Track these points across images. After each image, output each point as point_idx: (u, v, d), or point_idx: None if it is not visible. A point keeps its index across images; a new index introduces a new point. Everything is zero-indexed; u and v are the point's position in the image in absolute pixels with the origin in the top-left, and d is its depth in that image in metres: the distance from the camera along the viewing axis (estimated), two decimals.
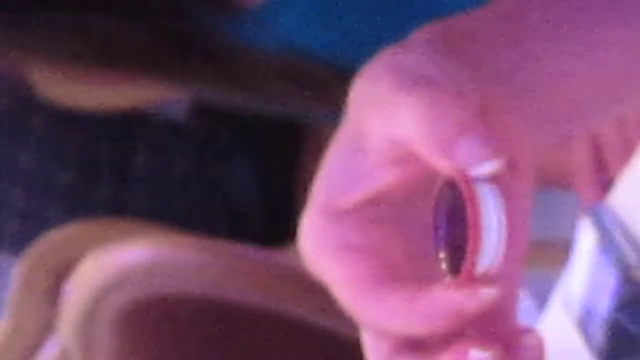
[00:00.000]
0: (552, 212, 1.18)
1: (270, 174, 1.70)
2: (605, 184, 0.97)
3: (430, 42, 0.49)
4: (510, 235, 0.44)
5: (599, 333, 0.70)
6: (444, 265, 0.45)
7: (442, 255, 0.46)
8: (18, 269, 1.64)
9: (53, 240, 1.61)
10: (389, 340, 0.46)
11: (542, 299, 0.84)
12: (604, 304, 0.71)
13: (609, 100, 0.57)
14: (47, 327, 1.53)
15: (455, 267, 0.44)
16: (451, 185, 0.45)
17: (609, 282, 0.71)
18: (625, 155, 0.85)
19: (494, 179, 0.44)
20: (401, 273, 0.47)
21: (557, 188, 1.11)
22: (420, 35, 0.50)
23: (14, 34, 1.23)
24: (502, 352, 0.44)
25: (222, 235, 1.60)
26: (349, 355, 0.57)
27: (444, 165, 0.44)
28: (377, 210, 0.48)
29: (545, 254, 1.21)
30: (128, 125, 1.67)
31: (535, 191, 0.50)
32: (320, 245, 0.47)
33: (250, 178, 1.69)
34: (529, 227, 0.47)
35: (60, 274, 1.51)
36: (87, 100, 1.50)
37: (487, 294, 0.43)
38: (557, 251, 0.92)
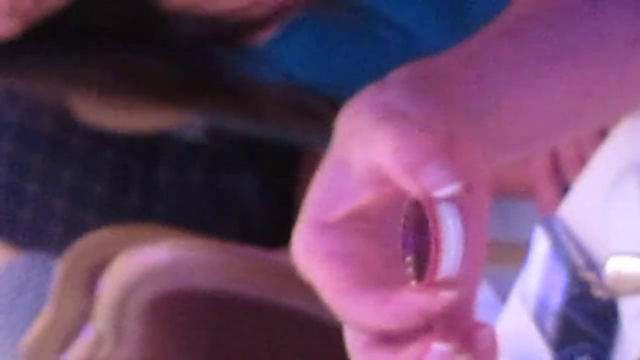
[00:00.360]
0: (513, 217, 1.17)
1: (273, 186, 1.69)
2: (562, 189, 0.97)
3: (405, 81, 0.49)
4: (468, 246, 0.44)
5: (551, 324, 0.70)
6: (411, 271, 0.45)
7: (409, 262, 0.46)
8: (60, 267, 1.64)
9: (89, 242, 1.61)
10: (365, 334, 0.46)
11: (504, 294, 0.85)
12: (556, 300, 0.71)
13: (561, 127, 0.58)
14: (84, 316, 1.53)
15: (421, 272, 0.45)
16: (417, 204, 0.45)
17: (560, 281, 0.71)
18: (580, 164, 0.85)
19: (454, 199, 0.44)
20: (377, 277, 0.46)
21: (518, 197, 1.11)
22: (396, 76, 0.50)
23: (58, 68, 1.23)
24: (461, 344, 0.44)
25: (232, 239, 1.59)
26: (339, 339, 0.57)
27: (411, 188, 0.44)
28: (357, 224, 0.48)
29: (507, 254, 1.21)
30: (153, 144, 1.67)
31: (498, 200, 0.50)
32: (309, 253, 0.47)
33: (256, 189, 1.68)
34: (488, 237, 0.47)
35: (95, 271, 1.51)
36: (119, 123, 1.49)
37: (447, 296, 0.43)
38: (517, 252, 0.92)
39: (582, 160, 0.82)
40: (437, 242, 0.44)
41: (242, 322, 1.42)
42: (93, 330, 1.45)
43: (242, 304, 1.40)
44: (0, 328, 2.06)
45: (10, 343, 1.98)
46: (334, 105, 1.14)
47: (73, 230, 1.64)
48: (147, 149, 1.67)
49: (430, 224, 0.44)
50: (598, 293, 0.68)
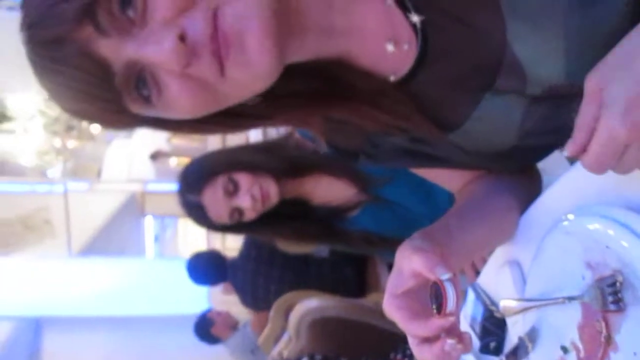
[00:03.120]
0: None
1: (357, 271, 1.64)
2: (476, 272, 0.89)
3: (421, 237, 0.47)
4: (457, 298, 0.43)
5: (478, 328, 0.65)
6: (435, 311, 0.43)
7: (434, 307, 0.44)
8: (274, 307, 1.60)
9: (285, 298, 1.61)
10: (416, 339, 0.44)
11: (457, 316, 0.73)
12: (479, 318, 0.65)
13: (478, 250, 0.56)
14: (283, 328, 1.50)
15: (439, 311, 0.43)
16: (435, 283, 0.43)
17: (480, 310, 0.66)
18: (482, 263, 0.74)
19: (450, 279, 0.43)
20: (420, 315, 0.44)
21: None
22: (416, 234, 0.48)
23: (268, 229, 1.18)
24: (457, 340, 0.43)
25: (343, 295, 1.54)
26: (403, 341, 0.52)
27: (431, 277, 0.43)
28: (410, 293, 0.45)
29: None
30: (307, 257, 1.66)
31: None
32: (390, 307, 0.45)
33: (351, 274, 1.64)
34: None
35: (288, 309, 1.48)
36: (293, 249, 1.48)
37: (451, 319, 0.42)
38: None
39: (483, 261, 0.77)
40: (445, 298, 0.42)
41: (349, 329, 1.31)
42: (287, 334, 1.40)
43: (349, 322, 1.31)
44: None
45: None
46: (382, 239, 1.15)
47: (279, 294, 1.62)
48: (304, 259, 1.66)
49: (442, 291, 0.42)
50: (497, 315, 0.63)
